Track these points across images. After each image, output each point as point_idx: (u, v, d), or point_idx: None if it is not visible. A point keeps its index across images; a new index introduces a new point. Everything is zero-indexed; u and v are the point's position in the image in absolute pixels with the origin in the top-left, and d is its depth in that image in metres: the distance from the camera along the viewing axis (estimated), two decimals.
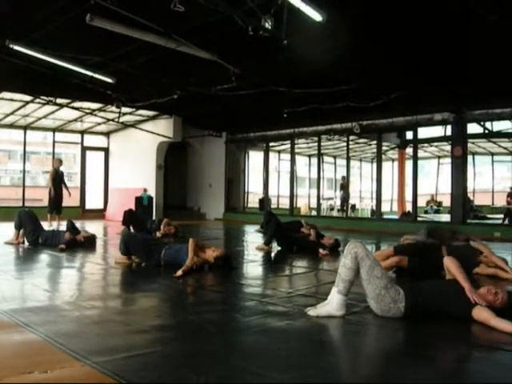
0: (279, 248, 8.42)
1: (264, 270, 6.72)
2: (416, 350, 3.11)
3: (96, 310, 3.97)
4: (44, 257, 7.09)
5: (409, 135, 14.12)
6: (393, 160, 20.74)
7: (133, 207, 14.20)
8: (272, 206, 17.82)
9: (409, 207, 14.71)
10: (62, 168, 13.02)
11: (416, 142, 13.35)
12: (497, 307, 3.50)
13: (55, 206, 12.65)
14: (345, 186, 17.40)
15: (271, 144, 17.54)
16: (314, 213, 16.75)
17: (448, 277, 3.89)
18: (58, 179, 12.79)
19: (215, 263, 5.90)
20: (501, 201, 18.98)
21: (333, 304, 3.71)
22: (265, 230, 10.21)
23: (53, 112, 14.12)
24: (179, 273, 5.38)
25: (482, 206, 18.77)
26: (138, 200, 14.72)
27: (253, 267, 6.81)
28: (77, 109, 13.75)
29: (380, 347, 3.24)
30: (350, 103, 11.02)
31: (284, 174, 19.33)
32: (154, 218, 13.17)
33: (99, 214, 16.46)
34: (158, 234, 9.39)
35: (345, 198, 17.11)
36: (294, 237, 8.47)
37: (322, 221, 14.51)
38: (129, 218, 10.12)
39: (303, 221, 9.51)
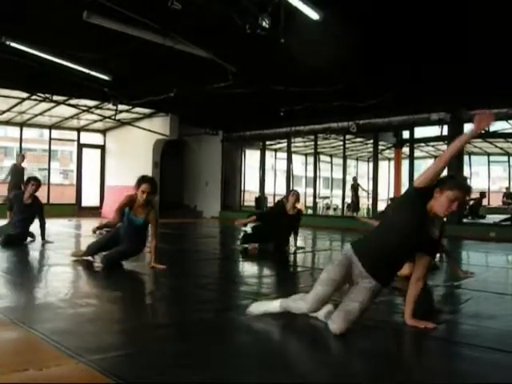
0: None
1: (259, 269, 6.72)
2: (413, 351, 3.11)
3: (91, 307, 3.96)
4: (37, 254, 7.07)
5: (405, 135, 14.14)
6: (389, 159, 20.76)
7: None
8: (268, 205, 17.80)
9: None
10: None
11: (412, 142, 13.38)
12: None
13: None
14: (355, 188, 17.69)
15: (268, 143, 17.53)
16: (310, 211, 16.76)
17: None
18: (18, 175, 12.24)
19: None
20: (496, 201, 19.06)
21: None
22: None
23: (49, 109, 14.07)
24: None
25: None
26: None
27: (248, 266, 6.82)
28: (73, 106, 13.72)
29: (379, 347, 3.24)
30: (347, 102, 11.02)
31: (280, 172, 19.32)
32: None
33: (95, 212, 16.41)
34: None
35: (353, 201, 17.37)
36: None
37: (319, 220, 14.54)
38: None
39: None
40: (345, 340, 3.19)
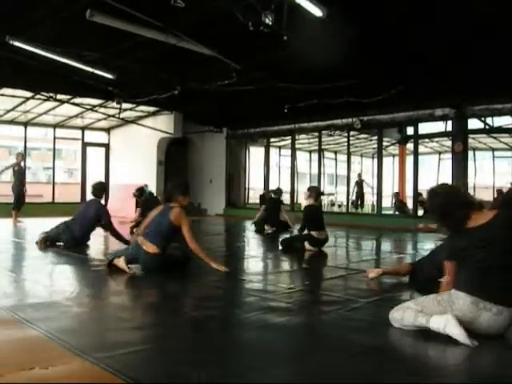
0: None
1: (265, 266, 6.72)
2: (417, 346, 3.10)
3: (96, 306, 3.97)
4: (43, 253, 7.08)
5: (409, 131, 14.10)
6: (393, 155, 20.71)
7: (133, 203, 14.20)
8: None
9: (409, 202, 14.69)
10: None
11: (417, 138, 13.33)
12: None
13: (18, 201, 12.10)
14: (359, 183, 17.87)
15: (272, 139, 17.51)
16: None
17: None
18: (18, 174, 12.24)
19: None
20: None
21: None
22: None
23: (53, 108, 14.11)
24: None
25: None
26: None
27: (254, 263, 6.82)
28: (77, 105, 13.76)
29: (380, 343, 3.23)
30: (351, 98, 10.99)
31: (285, 169, 19.29)
32: None
33: None
34: None
35: (358, 197, 17.51)
36: None
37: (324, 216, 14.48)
38: None
39: None
40: (350, 337, 3.19)
